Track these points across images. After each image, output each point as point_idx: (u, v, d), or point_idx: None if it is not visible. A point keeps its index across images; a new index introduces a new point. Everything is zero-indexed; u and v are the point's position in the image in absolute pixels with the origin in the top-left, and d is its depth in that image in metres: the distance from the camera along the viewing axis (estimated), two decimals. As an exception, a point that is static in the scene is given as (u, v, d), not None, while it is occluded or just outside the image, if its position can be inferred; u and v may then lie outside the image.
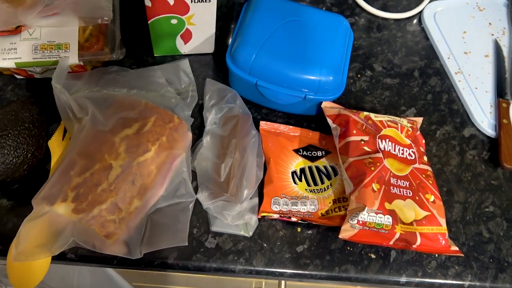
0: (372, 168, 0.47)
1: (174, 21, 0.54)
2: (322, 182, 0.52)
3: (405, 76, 0.65)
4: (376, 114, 0.53)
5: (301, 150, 0.54)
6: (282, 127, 0.55)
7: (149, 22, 0.54)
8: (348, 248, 0.51)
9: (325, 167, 0.53)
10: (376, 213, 0.45)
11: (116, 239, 0.44)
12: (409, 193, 0.48)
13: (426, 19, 0.70)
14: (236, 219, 0.49)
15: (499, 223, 0.55)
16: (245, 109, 0.54)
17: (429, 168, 0.52)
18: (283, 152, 0.53)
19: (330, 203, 0.50)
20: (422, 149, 0.53)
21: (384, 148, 0.49)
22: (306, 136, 0.56)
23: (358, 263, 0.50)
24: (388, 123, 0.52)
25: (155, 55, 0.61)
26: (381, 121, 0.52)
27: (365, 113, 0.52)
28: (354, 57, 0.65)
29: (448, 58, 0.66)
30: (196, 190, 0.51)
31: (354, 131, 0.50)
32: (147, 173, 0.46)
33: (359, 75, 0.64)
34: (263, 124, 0.54)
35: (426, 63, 0.66)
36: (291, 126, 0.56)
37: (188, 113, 0.53)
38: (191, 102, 0.54)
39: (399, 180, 0.49)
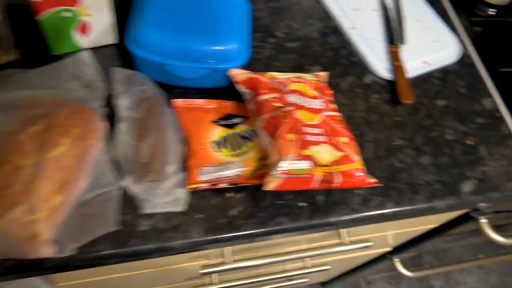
0: (286, 120, 0.50)
1: (66, 14, 0.53)
2: (244, 145, 0.54)
3: (306, 38, 0.69)
4: (280, 73, 0.56)
5: (219, 120, 0.55)
6: (197, 102, 0.56)
7: (37, 18, 0.52)
8: (278, 202, 0.54)
9: (244, 131, 0.55)
10: (296, 160, 0.48)
11: (42, 239, 0.42)
12: (324, 139, 0.52)
13: (315, -16, 0.74)
14: (165, 196, 0.49)
15: (408, 153, 0.61)
16: (157, 90, 0.54)
17: (338, 114, 0.56)
18: (202, 125, 0.54)
19: (255, 162, 0.52)
20: (330, 99, 0.57)
21: (293, 101, 0.53)
22: (222, 106, 0.57)
23: (290, 214, 0.53)
24: (293, 79, 0.55)
25: (54, 54, 0.59)
26: (287, 79, 0.55)
27: (270, 73, 0.55)
28: (257, 27, 0.68)
29: (341, 16, 0.71)
30: (122, 177, 0.50)
31: (263, 90, 0.52)
32: (65, 167, 0.44)
33: (264, 43, 0.66)
34: (176, 101, 0.55)
35: (322, 24, 0.71)
36: (206, 100, 0.57)
37: (99, 104, 0.53)
38: (100, 93, 0.53)
39: (312, 128, 0.52)
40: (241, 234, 0.51)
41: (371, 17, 0.73)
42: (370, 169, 0.58)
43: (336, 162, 0.51)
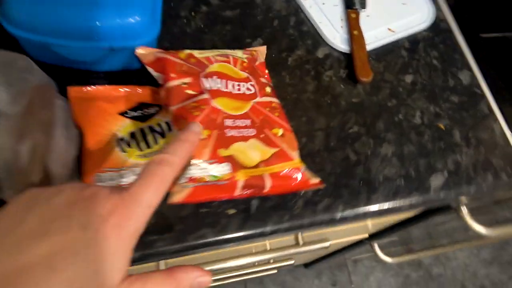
0: (196, 113, 0.40)
1: None
2: (156, 143, 0.44)
3: (246, 5, 0.57)
4: (201, 51, 0.45)
5: (128, 111, 0.45)
6: (101, 89, 0.46)
7: None
8: (202, 210, 0.44)
9: (159, 124, 0.45)
10: (209, 164, 0.38)
11: None
12: (252, 132, 0.42)
13: None
14: (52, 211, 0.39)
15: (365, 142, 0.51)
16: (45, 77, 0.43)
17: (274, 100, 0.46)
18: (103, 118, 0.44)
19: (165, 165, 0.42)
20: (265, 80, 0.47)
21: (211, 87, 0.42)
22: (134, 94, 0.47)
23: (216, 224, 0.44)
24: (217, 58, 0.45)
25: None
26: (207, 58, 0.44)
27: (187, 51, 0.44)
28: (185, -6, 0.56)
29: (291, -24, 0.60)
30: (1, 190, 0.41)
31: (173, 75, 0.42)
32: None
33: (193, 13, 0.55)
34: (71, 90, 0.44)
35: (268, -13, 0.59)
36: (112, 86, 0.46)
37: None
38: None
39: (237, 120, 0.42)
40: (150, 253, 0.42)
41: (327, -24, 0.61)
42: (318, 162, 0.48)
43: (267, 161, 0.41)
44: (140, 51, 0.43)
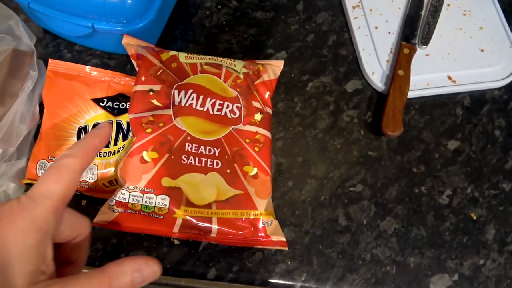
0: (148, 130, 0.35)
1: None
2: (116, 143, 0.39)
3: (284, 9, 0.50)
4: (190, 55, 0.39)
5: (104, 99, 0.41)
6: (85, 69, 0.42)
7: None
8: (127, 236, 0.39)
9: (128, 123, 0.40)
10: (143, 192, 0.33)
11: None
12: (216, 164, 0.36)
13: None
14: (-11, 185, 0.37)
15: (365, 207, 0.42)
16: (27, 42, 0.41)
17: (262, 131, 0.39)
18: (72, 101, 0.41)
19: (114, 170, 0.38)
20: (259, 105, 0.40)
21: (181, 102, 0.36)
22: (118, 81, 0.43)
23: (154, 249, 0.39)
24: (205, 67, 0.38)
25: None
26: (193, 65, 0.38)
27: (172, 53, 0.39)
28: (220, -18, 0.50)
29: (348, -13, 0.50)
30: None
31: (143, 78, 0.37)
32: None
33: (219, 6, 0.49)
34: (52, 63, 0.42)
35: (317, -7, 0.51)
36: (99, 69, 0.43)
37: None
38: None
39: (202, 147, 0.36)
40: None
41: (393, -5, 0.50)
42: (297, 216, 0.41)
43: (222, 203, 0.35)
44: (125, 40, 0.39)
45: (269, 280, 0.39)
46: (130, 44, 0.39)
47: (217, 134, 0.37)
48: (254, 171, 0.37)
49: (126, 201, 0.33)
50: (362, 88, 0.47)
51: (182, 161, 0.35)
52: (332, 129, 0.45)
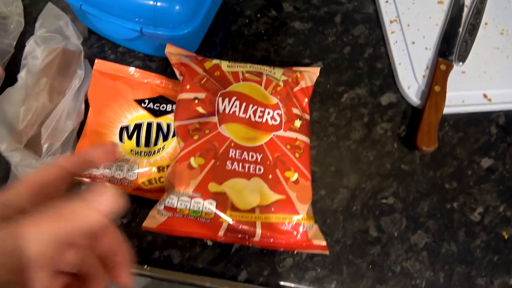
0: (195, 137, 0.36)
1: None
2: (156, 143, 0.41)
3: (322, 20, 0.51)
4: (233, 63, 0.40)
5: (146, 101, 0.43)
6: (129, 70, 0.44)
7: None
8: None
9: (168, 125, 0.42)
10: (191, 197, 0.35)
11: None
12: (259, 170, 0.37)
13: (370, -50, 0.54)
14: (35, 177, 0.39)
15: (397, 220, 0.42)
16: (75, 41, 0.43)
17: (301, 137, 0.40)
18: (116, 101, 0.42)
19: (154, 170, 0.39)
20: (298, 111, 0.41)
21: (225, 109, 0.38)
22: (159, 84, 0.44)
23: (188, 249, 0.40)
24: (247, 75, 0.40)
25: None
26: (235, 73, 0.40)
27: (215, 61, 0.40)
28: (260, -8, 0.52)
29: (387, 1, 0.52)
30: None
31: (188, 86, 0.38)
32: None
33: (258, 15, 0.51)
34: (99, 63, 0.44)
35: (355, 7, 0.52)
36: (142, 71, 0.44)
37: (10, 42, 0.43)
38: (14, 29, 0.44)
39: (245, 153, 0.37)
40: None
41: (431, 11, 0.51)
42: (328, 224, 0.42)
43: (265, 208, 0.36)
44: (168, 49, 0.40)
45: (299, 286, 0.40)
46: (173, 53, 0.41)
47: (259, 140, 0.38)
48: (295, 176, 0.38)
49: (175, 206, 0.35)
50: (397, 101, 0.47)
51: (226, 167, 0.36)
52: (366, 141, 0.45)
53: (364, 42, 0.50)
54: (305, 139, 0.40)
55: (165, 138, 0.41)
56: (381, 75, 0.49)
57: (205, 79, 0.39)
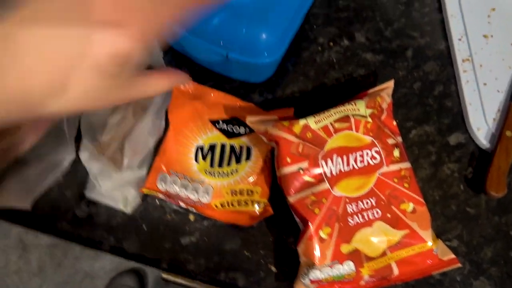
0: (316, 211, 0.38)
1: None
2: (229, 165, 0.42)
3: (393, 54, 0.51)
4: (318, 117, 0.40)
5: (220, 121, 0.44)
6: (206, 90, 0.46)
7: None
8: (246, 252, 0.42)
9: (241, 147, 0.43)
10: (331, 266, 0.37)
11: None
12: (377, 213, 0.39)
13: (445, -15, 0.55)
14: (112, 189, 0.42)
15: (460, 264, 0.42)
16: (159, 59, 0.45)
17: (404, 165, 0.41)
18: (193, 120, 0.44)
19: (227, 193, 0.41)
20: (392, 140, 0.42)
21: (331, 171, 0.39)
22: (234, 105, 0.46)
23: (251, 274, 0.41)
24: (336, 125, 0.40)
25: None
26: (325, 128, 0.40)
27: (302, 122, 0.40)
28: (333, 20, 0.53)
29: (460, 39, 0.52)
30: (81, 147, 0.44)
31: (288, 159, 0.39)
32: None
33: (331, 43, 0.52)
34: (179, 82, 0.45)
35: (427, 42, 0.52)
36: (218, 92, 0.46)
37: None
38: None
39: (359, 203, 0.39)
40: (180, 269, 0.41)
41: (504, 53, 0.51)
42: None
43: (394, 247, 0.38)
44: (249, 120, 0.41)
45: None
46: (254, 122, 0.41)
47: (368, 185, 0.39)
48: (410, 206, 0.40)
49: (319, 278, 0.37)
50: (465, 142, 0.48)
51: (349, 223, 0.38)
52: (432, 180, 0.46)
53: (435, 79, 0.50)
54: (407, 165, 0.41)
55: (238, 160, 0.42)
56: (450, 114, 0.49)
57: (301, 146, 0.39)
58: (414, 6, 0.55)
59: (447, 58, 0.52)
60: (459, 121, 0.49)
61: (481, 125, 0.48)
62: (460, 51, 0.51)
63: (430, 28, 0.53)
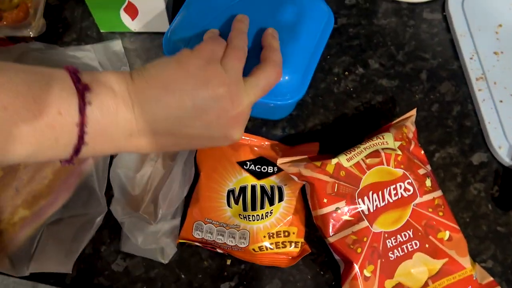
0: (359, 250, 0.38)
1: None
2: (262, 207, 0.43)
3: (408, 77, 0.52)
4: (349, 155, 0.41)
5: (247, 163, 0.45)
6: (229, 132, 0.46)
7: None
8: (287, 292, 0.42)
9: (272, 187, 0.44)
10: None
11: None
12: (416, 245, 0.40)
13: (451, 6, 0.56)
14: (148, 242, 0.42)
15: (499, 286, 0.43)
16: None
17: (436, 194, 0.42)
18: (221, 164, 0.44)
19: (264, 236, 0.41)
20: (423, 170, 0.42)
21: (369, 208, 0.39)
22: (259, 145, 0.46)
23: (294, 314, 0.41)
24: (368, 161, 0.41)
25: (101, 31, 0.54)
26: (357, 165, 0.40)
27: (334, 161, 0.40)
28: (346, 49, 0.54)
29: (471, 58, 0.53)
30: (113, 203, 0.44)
31: (325, 200, 0.39)
32: (39, 178, 0.39)
33: (346, 73, 0.52)
34: (203, 126, 0.45)
35: (439, 63, 0.53)
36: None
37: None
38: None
39: (398, 236, 0.40)
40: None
41: (516, 69, 0.52)
42: None
43: (435, 277, 0.39)
44: (280, 162, 0.41)
45: None
46: (286, 164, 0.41)
47: (404, 217, 0.40)
48: (447, 235, 0.40)
49: None
50: (488, 161, 0.48)
51: (390, 258, 0.39)
52: (460, 202, 0.47)
53: (452, 100, 0.51)
54: (439, 193, 0.42)
55: (271, 202, 0.43)
56: (471, 133, 0.50)
57: (336, 185, 0.40)
58: (422, 28, 0.56)
59: (461, 78, 0.53)
60: (480, 140, 0.50)
61: (502, 143, 0.49)
62: (473, 70, 0.52)
63: (441, 49, 0.54)
